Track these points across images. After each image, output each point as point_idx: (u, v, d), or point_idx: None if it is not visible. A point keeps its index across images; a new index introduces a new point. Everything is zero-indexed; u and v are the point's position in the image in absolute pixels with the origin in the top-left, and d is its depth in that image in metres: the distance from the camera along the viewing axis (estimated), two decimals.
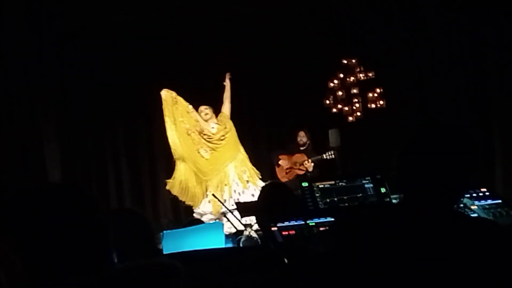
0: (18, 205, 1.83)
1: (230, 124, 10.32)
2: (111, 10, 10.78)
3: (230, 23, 11.46)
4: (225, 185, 9.93)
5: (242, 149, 10.34)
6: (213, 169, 10.09)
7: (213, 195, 9.53)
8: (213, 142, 10.19)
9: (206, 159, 10.14)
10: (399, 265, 2.18)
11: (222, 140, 10.17)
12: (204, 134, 10.20)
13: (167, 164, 11.27)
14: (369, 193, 4.40)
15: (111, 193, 11.16)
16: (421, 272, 2.17)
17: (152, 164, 11.45)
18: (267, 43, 11.49)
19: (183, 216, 11.12)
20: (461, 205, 4.01)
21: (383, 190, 4.42)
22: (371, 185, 4.42)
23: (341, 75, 11.10)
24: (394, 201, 4.39)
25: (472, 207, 4.07)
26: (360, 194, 4.38)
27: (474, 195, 4.18)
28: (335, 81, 11.09)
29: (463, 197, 3.71)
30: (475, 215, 3.92)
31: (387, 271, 2.19)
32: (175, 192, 10.14)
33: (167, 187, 10.20)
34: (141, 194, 11.41)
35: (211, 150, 10.19)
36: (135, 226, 3.29)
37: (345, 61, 11.12)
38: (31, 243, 1.76)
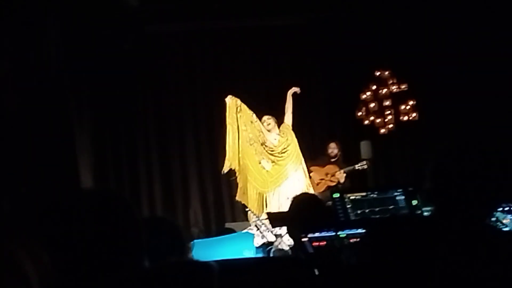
0: (56, 210, 1.85)
1: (292, 136, 10.08)
2: (176, 17, 10.92)
3: (265, 34, 11.54)
4: (287, 198, 9.73)
5: (303, 162, 10.11)
6: (273, 181, 9.85)
7: (247, 210, 9.48)
8: (274, 154, 9.98)
9: (267, 170, 9.93)
10: (431, 278, 2.17)
11: (283, 153, 9.94)
12: (266, 146, 9.99)
13: (199, 173, 11.35)
14: (401, 205, 4.38)
15: (143, 202, 11.22)
16: (452, 286, 2.16)
17: (184, 173, 11.50)
18: (300, 54, 11.53)
19: (214, 225, 11.18)
20: (493, 218, 3.98)
21: (414, 202, 4.39)
22: (403, 197, 4.40)
23: (374, 87, 11.07)
24: (425, 214, 4.36)
25: (505, 221, 4.04)
26: (392, 206, 4.36)
27: (507, 208, 4.15)
28: (368, 93, 11.07)
29: (496, 211, 3.69)
30: (507, 229, 3.89)
31: (418, 285, 2.19)
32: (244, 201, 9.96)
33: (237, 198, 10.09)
34: (172, 203, 11.45)
35: (272, 162, 9.97)
36: (167, 235, 3.31)
37: (378, 73, 11.10)
38: (66, 246, 1.78)
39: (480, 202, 2.30)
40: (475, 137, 2.44)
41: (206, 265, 1.74)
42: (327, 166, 10.56)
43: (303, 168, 10.03)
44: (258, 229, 7.05)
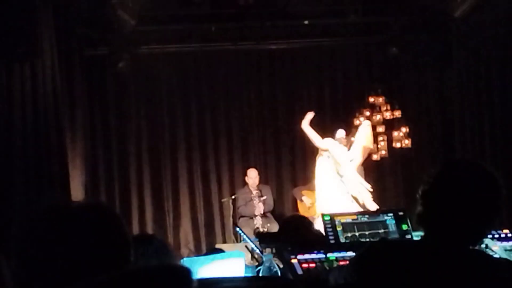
0: (39, 223, 1.84)
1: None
2: (171, 38, 10.99)
3: (260, 58, 11.59)
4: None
5: None
6: None
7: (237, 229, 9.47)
8: None
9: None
10: None
11: None
12: None
13: (191, 193, 11.35)
14: (391, 229, 4.39)
15: (133, 221, 11.20)
16: None
17: (175, 193, 11.49)
18: (295, 77, 11.59)
19: (204, 246, 11.16)
20: (483, 245, 3.99)
21: (405, 227, 4.40)
22: (393, 221, 4.40)
23: (367, 113, 11.11)
24: (416, 238, 4.37)
25: (494, 248, 4.04)
26: (382, 230, 4.36)
27: (496, 236, 4.16)
28: (361, 119, 11.09)
29: (486, 237, 3.69)
30: (497, 256, 3.89)
31: None
32: None
33: None
34: (162, 223, 11.43)
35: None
36: (156, 252, 3.30)
37: (371, 99, 11.14)
38: (50, 259, 1.77)
39: (470, 228, 2.30)
40: (467, 163, 2.45)
41: (183, 269, 1.74)
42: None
43: None
44: (248, 249, 7.05)
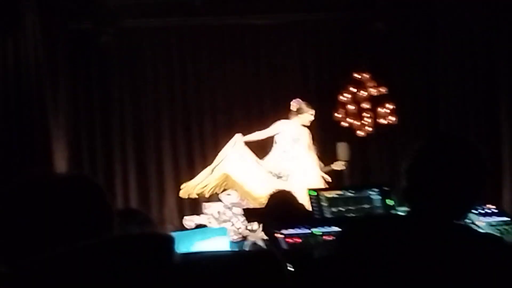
0: (20, 193, 1.82)
1: None
2: (156, 12, 10.92)
3: (244, 33, 11.54)
4: None
5: None
6: None
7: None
8: None
9: None
10: (403, 277, 2.17)
11: None
12: None
13: (175, 170, 11.33)
14: (376, 204, 4.40)
15: (117, 198, 11.16)
16: (424, 285, 2.16)
17: (159, 170, 11.46)
18: (279, 52, 11.55)
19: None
20: (468, 220, 3.99)
21: (390, 202, 4.41)
22: (379, 196, 4.41)
23: (353, 89, 11.09)
24: (401, 213, 4.37)
25: (479, 223, 4.06)
26: (367, 205, 4.37)
27: (481, 211, 4.17)
28: (346, 95, 11.08)
29: (470, 211, 3.70)
30: (482, 231, 3.90)
31: (389, 283, 2.18)
32: None
33: None
34: (147, 199, 11.41)
35: None
36: (140, 226, 3.29)
37: (357, 76, 11.12)
38: (32, 228, 1.75)
39: (454, 203, 2.29)
40: (450, 136, 2.44)
41: (165, 236, 1.72)
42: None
43: None
44: (233, 224, 7.08)
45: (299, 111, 9.73)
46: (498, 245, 2.30)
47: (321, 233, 3.93)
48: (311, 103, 11.12)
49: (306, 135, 9.80)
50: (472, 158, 2.32)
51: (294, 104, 9.82)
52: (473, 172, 2.31)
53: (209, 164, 11.07)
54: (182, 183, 11.14)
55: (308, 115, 9.74)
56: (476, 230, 3.19)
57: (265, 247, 4.88)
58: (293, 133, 9.64)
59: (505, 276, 2.18)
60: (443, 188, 2.27)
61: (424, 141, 2.42)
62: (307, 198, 4.53)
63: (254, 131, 10.06)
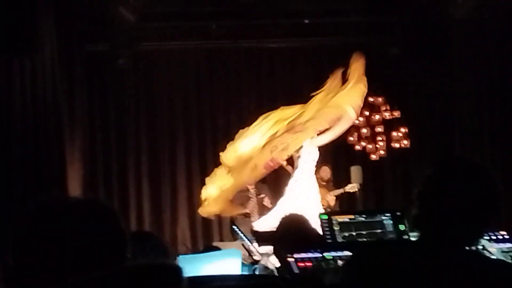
0: (35, 218, 1.83)
1: None
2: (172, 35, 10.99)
3: (260, 56, 11.60)
4: None
5: None
6: None
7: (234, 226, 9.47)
8: None
9: None
10: None
11: None
12: None
13: (188, 190, 11.35)
14: (388, 229, 4.38)
15: (131, 218, 11.20)
16: None
17: (173, 190, 11.50)
18: (295, 76, 11.59)
19: (201, 244, 11.15)
20: (480, 246, 3.98)
21: (402, 227, 4.39)
22: (391, 221, 4.40)
23: (367, 113, 11.10)
24: (413, 239, 4.36)
25: (491, 249, 4.03)
26: (379, 230, 4.36)
27: (493, 237, 4.14)
28: (360, 118, 11.09)
29: (482, 238, 3.69)
30: (494, 257, 3.88)
31: None
32: None
33: None
34: (160, 220, 11.44)
35: None
36: (153, 249, 3.30)
37: (371, 99, 11.13)
38: (46, 253, 1.77)
39: (466, 229, 2.29)
40: (463, 161, 2.44)
41: (173, 267, 1.73)
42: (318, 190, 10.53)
43: None
44: (245, 248, 7.05)
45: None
46: (510, 272, 2.30)
47: (332, 258, 3.92)
48: None
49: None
50: (484, 184, 2.31)
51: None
52: (485, 198, 2.30)
53: None
54: (194, 205, 11.20)
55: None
56: (487, 257, 3.19)
57: (275, 271, 4.88)
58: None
59: None
60: (454, 213, 2.26)
61: (435, 166, 2.41)
62: (319, 222, 4.53)
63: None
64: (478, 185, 2.30)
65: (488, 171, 2.34)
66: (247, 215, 10.38)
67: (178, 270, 1.69)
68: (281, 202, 9.53)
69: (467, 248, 2.31)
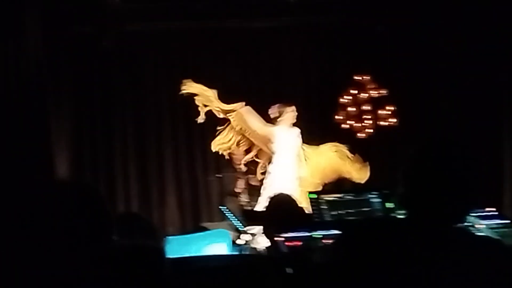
0: (22, 200, 1.83)
1: None
2: (157, 16, 10.92)
3: (245, 36, 11.54)
4: None
5: None
6: None
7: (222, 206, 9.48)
8: None
9: None
10: (402, 281, 2.18)
11: None
12: None
13: (176, 171, 11.35)
14: (376, 207, 4.40)
15: (118, 199, 11.17)
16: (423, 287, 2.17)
17: (160, 171, 11.47)
18: (281, 55, 11.57)
19: (189, 225, 11.15)
20: (468, 223, 4.00)
21: (389, 205, 4.41)
22: (379, 200, 4.42)
23: (354, 91, 11.09)
24: (400, 216, 4.37)
25: (479, 226, 4.06)
26: (367, 208, 4.38)
27: (481, 214, 4.17)
28: (347, 97, 11.09)
29: (469, 214, 3.70)
30: (481, 234, 3.91)
31: (388, 286, 2.19)
32: None
33: None
34: (147, 201, 11.42)
35: None
36: (141, 231, 3.30)
37: (358, 77, 11.13)
38: (32, 235, 1.76)
39: (452, 206, 2.30)
40: (445, 141, 2.44)
41: (156, 249, 1.73)
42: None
43: None
44: (233, 228, 7.07)
45: (280, 114, 9.65)
46: (497, 247, 2.31)
47: (321, 236, 3.93)
48: (311, 105, 11.19)
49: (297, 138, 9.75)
50: (467, 162, 2.33)
51: (274, 111, 9.77)
52: (468, 175, 2.32)
53: (210, 166, 11.10)
54: (183, 186, 11.20)
55: (290, 113, 9.65)
56: (474, 233, 3.20)
57: (264, 250, 4.90)
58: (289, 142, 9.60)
59: (503, 278, 2.19)
60: (440, 192, 2.28)
61: (419, 146, 2.43)
62: (307, 201, 4.54)
63: None
64: (460, 164, 2.32)
65: (470, 150, 2.37)
66: (236, 195, 10.40)
67: (160, 251, 1.69)
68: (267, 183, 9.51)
69: (454, 225, 2.32)
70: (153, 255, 1.70)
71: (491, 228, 4.05)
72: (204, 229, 9.20)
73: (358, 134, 11.05)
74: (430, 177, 2.30)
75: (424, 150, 2.41)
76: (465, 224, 3.86)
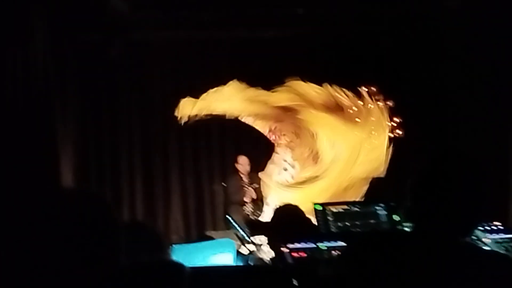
0: (26, 210, 1.82)
1: None
2: (165, 25, 10.94)
3: (252, 46, 11.55)
4: None
5: None
6: None
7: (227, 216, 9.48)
8: None
9: None
10: None
11: None
12: None
13: (181, 180, 11.35)
14: (382, 220, 4.39)
15: (123, 207, 11.17)
16: None
17: (166, 179, 11.48)
18: (287, 66, 11.55)
19: (194, 233, 11.15)
20: (474, 237, 3.99)
21: (396, 218, 4.40)
22: (385, 212, 4.41)
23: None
24: (406, 229, 4.36)
25: (485, 240, 4.05)
26: (373, 221, 4.38)
27: (487, 228, 4.16)
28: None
29: (475, 228, 3.69)
30: (487, 248, 3.89)
31: None
32: None
33: None
34: (152, 209, 11.42)
35: None
36: (146, 240, 3.30)
37: (364, 89, 11.11)
38: (38, 244, 1.75)
39: (457, 219, 2.29)
40: (454, 154, 2.44)
41: (177, 265, 1.73)
42: None
43: None
44: (238, 237, 7.06)
45: None
46: (504, 263, 2.30)
47: (326, 248, 3.93)
48: None
49: None
50: (473, 175, 2.33)
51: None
52: (475, 189, 2.31)
53: (215, 176, 11.13)
54: (187, 194, 11.20)
55: None
56: (481, 248, 3.19)
57: (269, 261, 4.88)
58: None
59: None
60: (447, 206, 2.27)
61: (427, 159, 2.43)
62: (313, 212, 4.53)
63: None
64: (469, 178, 2.32)
65: (477, 163, 2.36)
66: (242, 204, 10.41)
67: (181, 267, 1.68)
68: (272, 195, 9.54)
69: (461, 239, 2.32)
70: (175, 271, 1.70)
71: (497, 242, 4.04)
72: (209, 238, 9.20)
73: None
74: (437, 190, 2.30)
75: (431, 164, 2.40)
76: (472, 238, 3.85)
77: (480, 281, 2.17)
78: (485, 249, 3.51)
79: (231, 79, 11.02)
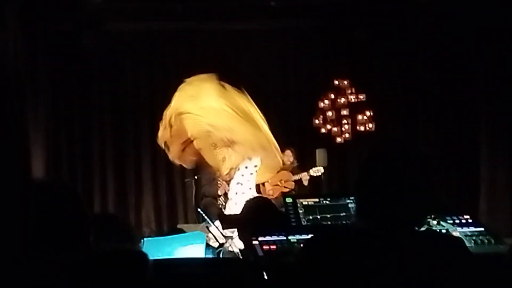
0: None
1: None
2: (138, 16, 10.88)
3: (225, 38, 11.54)
4: None
5: None
6: None
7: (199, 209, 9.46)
8: None
9: None
10: (364, 285, 2.18)
11: None
12: None
13: (153, 172, 11.31)
14: (353, 212, 4.40)
15: (95, 199, 11.14)
16: None
17: (137, 172, 11.45)
18: (260, 58, 11.57)
19: (166, 226, 11.13)
20: (444, 230, 4.01)
21: None
22: (355, 205, 4.42)
23: (332, 96, 11.14)
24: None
25: (455, 233, 4.06)
26: (344, 213, 4.37)
27: (457, 221, 4.17)
28: (326, 101, 11.13)
29: (427, 217, 3.68)
30: (443, 232, 3.92)
31: None
32: None
33: None
34: (124, 202, 11.39)
35: None
36: (117, 232, 3.28)
37: (336, 82, 11.17)
38: (8, 233, 1.74)
39: (408, 211, 2.28)
40: (392, 145, 2.43)
41: (139, 254, 1.72)
42: (281, 173, 10.54)
43: None
44: (209, 230, 7.06)
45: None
46: (455, 244, 2.32)
47: (296, 240, 3.93)
48: (290, 109, 11.20)
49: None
50: (416, 164, 2.32)
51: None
52: (419, 178, 2.30)
53: (188, 170, 11.10)
54: (159, 187, 11.16)
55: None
56: (437, 232, 3.21)
57: (239, 254, 4.88)
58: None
59: (464, 275, 2.21)
60: (391, 196, 2.26)
61: (366, 155, 2.41)
62: (284, 205, 4.53)
63: None
64: (410, 166, 2.31)
65: (419, 151, 2.36)
66: (213, 197, 10.39)
67: (144, 256, 1.68)
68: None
69: (416, 229, 2.31)
70: (137, 260, 1.69)
71: (466, 235, 4.06)
72: (180, 231, 9.19)
73: (336, 139, 11.10)
74: (380, 185, 2.28)
75: (370, 159, 2.39)
76: (435, 229, 3.89)
77: (432, 265, 2.18)
78: (442, 233, 3.56)
79: (204, 71, 11.02)
